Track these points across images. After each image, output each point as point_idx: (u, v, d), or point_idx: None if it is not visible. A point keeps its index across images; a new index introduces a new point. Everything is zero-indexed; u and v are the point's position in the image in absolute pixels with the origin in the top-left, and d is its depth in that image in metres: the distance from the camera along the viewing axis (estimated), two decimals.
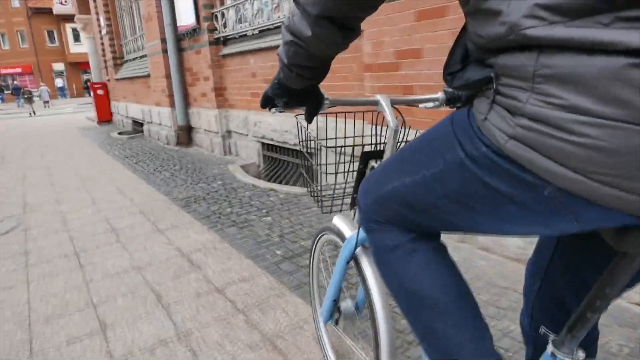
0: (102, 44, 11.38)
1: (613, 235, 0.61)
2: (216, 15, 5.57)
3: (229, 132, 5.85)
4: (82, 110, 20.11)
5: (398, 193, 0.78)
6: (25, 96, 20.85)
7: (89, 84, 12.94)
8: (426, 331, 0.81)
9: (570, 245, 0.82)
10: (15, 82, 31.16)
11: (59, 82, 37.40)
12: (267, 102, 0.99)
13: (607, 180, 0.51)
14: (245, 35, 5.08)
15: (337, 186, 1.27)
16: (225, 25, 5.44)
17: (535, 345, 0.92)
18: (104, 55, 11.53)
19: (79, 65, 37.37)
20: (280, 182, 4.64)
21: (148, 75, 7.72)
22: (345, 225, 1.31)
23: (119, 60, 10.46)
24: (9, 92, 28.60)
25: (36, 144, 8.83)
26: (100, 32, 11.23)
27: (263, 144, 5.09)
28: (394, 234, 0.83)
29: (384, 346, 1.09)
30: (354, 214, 1.09)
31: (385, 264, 0.87)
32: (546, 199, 0.58)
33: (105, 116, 12.07)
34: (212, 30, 5.65)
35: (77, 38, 37.15)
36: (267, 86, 0.95)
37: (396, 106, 1.09)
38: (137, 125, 9.49)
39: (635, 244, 0.59)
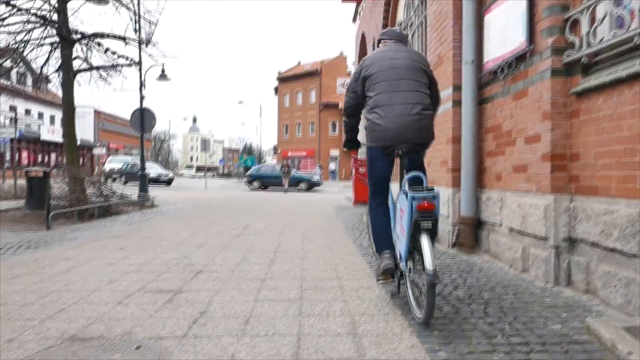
0: None
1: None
2: (575, 20, 2.97)
3: (572, 240, 2.93)
4: (345, 191, 20.27)
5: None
6: (284, 170, 20.62)
7: (352, 161, 12.14)
8: (374, 232, 2.93)
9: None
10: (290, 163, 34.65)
11: (332, 166, 41.39)
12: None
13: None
14: (634, 46, 2.29)
15: None
16: (594, 35, 2.78)
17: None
18: None
19: (351, 152, 40.77)
20: None
21: None
22: None
23: None
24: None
25: (281, 219, 7.77)
26: None
27: None
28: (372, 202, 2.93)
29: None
30: None
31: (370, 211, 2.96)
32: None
33: (363, 197, 10.73)
34: (560, 50, 3.06)
35: None
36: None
37: None
38: None
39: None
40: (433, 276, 2.13)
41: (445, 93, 4.73)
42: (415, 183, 2.49)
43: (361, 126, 2.96)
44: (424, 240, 2.27)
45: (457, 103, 4.46)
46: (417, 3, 6.80)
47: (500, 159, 3.85)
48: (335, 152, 42.99)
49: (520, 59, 3.48)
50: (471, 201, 4.21)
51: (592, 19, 2.82)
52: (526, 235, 3.34)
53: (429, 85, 2.76)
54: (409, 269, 2.49)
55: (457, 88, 4.44)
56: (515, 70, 3.57)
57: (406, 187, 2.45)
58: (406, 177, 2.56)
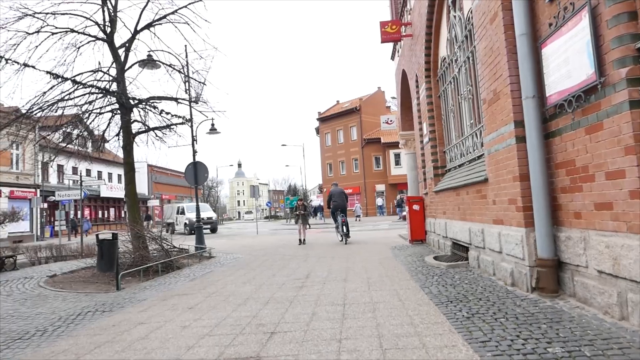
0: (423, 154, 10.20)
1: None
2: None
3: None
4: (395, 227, 19.87)
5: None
6: (297, 212, 14.84)
7: (404, 197, 12.28)
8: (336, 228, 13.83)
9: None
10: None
11: (379, 201, 41.01)
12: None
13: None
14: None
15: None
16: None
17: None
18: (423, 167, 10.27)
19: (398, 186, 40.28)
20: None
21: (484, 181, 5.44)
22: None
23: (440, 170, 8.82)
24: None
25: (339, 265, 7.65)
26: (421, 141, 10.14)
27: None
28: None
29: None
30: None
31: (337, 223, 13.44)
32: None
33: (419, 235, 10.49)
34: (636, 80, 2.91)
35: (397, 162, 40.75)
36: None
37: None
38: (458, 249, 7.21)
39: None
40: (348, 236, 12.32)
41: (506, 129, 4.60)
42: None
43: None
44: (344, 227, 12.32)
45: (520, 139, 4.31)
46: (461, 39, 6.79)
47: (577, 196, 3.64)
48: (381, 187, 42.71)
49: (590, 91, 3.33)
50: (548, 241, 3.97)
51: None
52: (620, 279, 3.07)
53: (345, 196, 13.31)
54: (345, 235, 12.24)
55: (519, 124, 4.31)
56: (585, 103, 3.41)
57: (341, 217, 12.59)
58: (339, 215, 12.64)
